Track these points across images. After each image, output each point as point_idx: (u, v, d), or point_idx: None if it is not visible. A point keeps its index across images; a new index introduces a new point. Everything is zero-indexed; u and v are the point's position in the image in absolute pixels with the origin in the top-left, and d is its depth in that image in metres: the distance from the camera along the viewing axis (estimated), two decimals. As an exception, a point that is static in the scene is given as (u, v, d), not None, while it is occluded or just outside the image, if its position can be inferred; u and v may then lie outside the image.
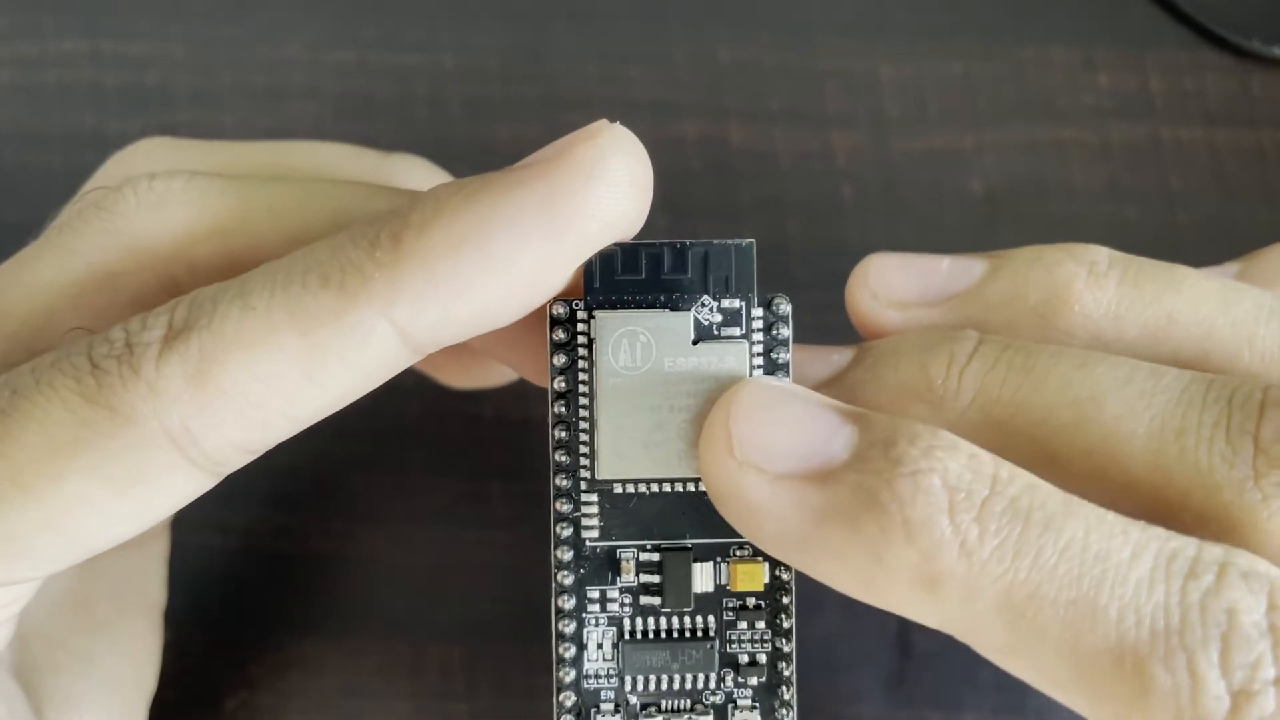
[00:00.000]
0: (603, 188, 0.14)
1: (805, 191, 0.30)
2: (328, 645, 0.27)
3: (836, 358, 0.18)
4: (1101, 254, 0.17)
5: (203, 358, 0.14)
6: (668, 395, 0.15)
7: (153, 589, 0.24)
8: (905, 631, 0.27)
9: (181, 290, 0.18)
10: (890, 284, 0.17)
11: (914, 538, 0.13)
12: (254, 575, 0.27)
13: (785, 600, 0.15)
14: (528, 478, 0.28)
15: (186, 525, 0.24)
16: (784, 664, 0.15)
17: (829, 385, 0.17)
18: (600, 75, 0.30)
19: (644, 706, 0.15)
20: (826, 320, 0.29)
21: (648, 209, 0.15)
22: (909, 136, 0.30)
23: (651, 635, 0.15)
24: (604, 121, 0.15)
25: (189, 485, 0.15)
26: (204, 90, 0.30)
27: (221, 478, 0.15)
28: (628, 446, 0.15)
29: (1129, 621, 0.13)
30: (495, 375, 0.26)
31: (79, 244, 0.17)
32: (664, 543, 0.15)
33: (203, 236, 0.17)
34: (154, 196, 0.17)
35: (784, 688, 0.15)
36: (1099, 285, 0.17)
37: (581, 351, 0.15)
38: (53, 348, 0.16)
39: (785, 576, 0.15)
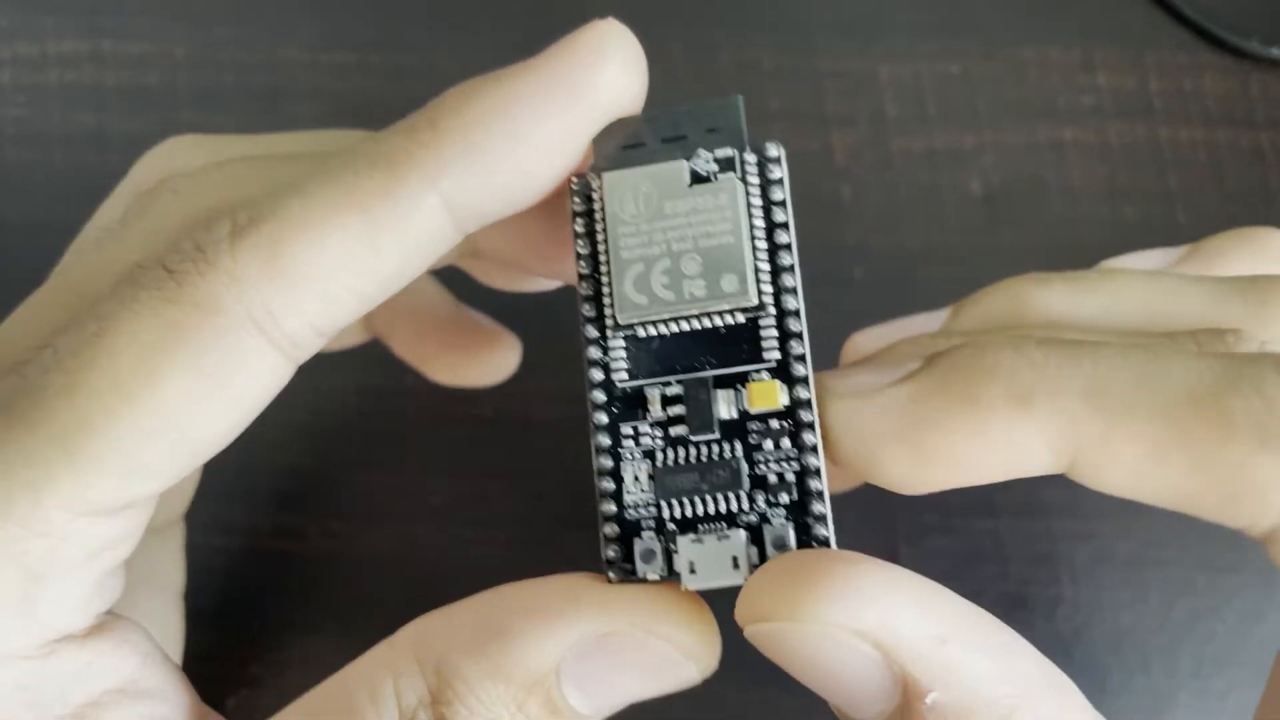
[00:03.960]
0: (607, 64, 0.16)
1: (805, 191, 0.30)
2: (328, 644, 0.27)
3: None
4: (1044, 274, 0.19)
5: (274, 241, 0.15)
6: (672, 237, 0.16)
7: (174, 573, 0.25)
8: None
9: None
10: (873, 347, 0.19)
11: (995, 374, 0.15)
12: (255, 575, 0.27)
13: (807, 418, 0.16)
14: (528, 478, 0.28)
15: (188, 525, 0.24)
16: (813, 480, 0.16)
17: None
18: (600, 75, 0.31)
19: (682, 529, 0.16)
20: (826, 320, 0.29)
21: (646, 85, 0.17)
22: (909, 137, 0.30)
23: (682, 463, 0.16)
24: (602, 19, 0.17)
25: (275, 372, 0.16)
26: (204, 90, 0.30)
27: (299, 364, 0.16)
28: (640, 290, 0.16)
29: (1193, 372, 0.14)
30: (490, 370, 0.26)
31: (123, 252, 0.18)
32: (685, 376, 0.16)
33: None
34: (196, 188, 0.18)
35: (815, 502, 0.16)
36: (1049, 285, 0.19)
37: (597, 215, 0.16)
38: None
39: (805, 395, 0.16)
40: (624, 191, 0.16)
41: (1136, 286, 0.18)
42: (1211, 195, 0.30)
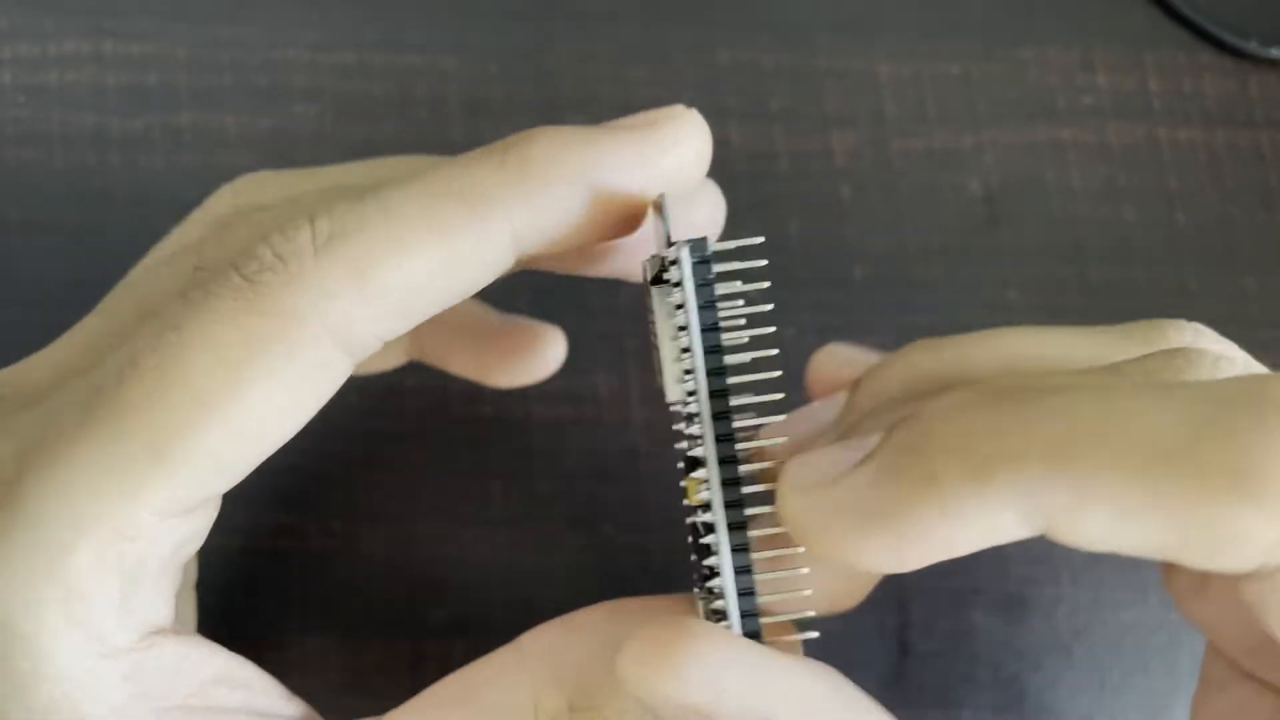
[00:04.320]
0: (684, 147, 0.18)
1: (805, 192, 0.30)
2: (328, 644, 0.27)
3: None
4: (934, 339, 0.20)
5: (363, 255, 0.16)
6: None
7: (189, 565, 0.25)
8: (904, 630, 0.27)
9: None
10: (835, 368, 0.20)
11: (950, 448, 0.14)
12: (254, 574, 0.27)
13: (703, 516, 0.17)
14: (528, 478, 0.28)
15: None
16: (715, 579, 0.16)
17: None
18: (600, 75, 0.31)
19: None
20: (825, 320, 0.29)
21: (707, 167, 0.19)
22: (908, 136, 0.30)
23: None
24: (681, 107, 0.18)
25: (341, 373, 0.17)
26: (205, 91, 0.30)
27: (355, 366, 0.17)
28: (666, 373, 0.17)
29: (1158, 417, 0.14)
30: (544, 365, 0.27)
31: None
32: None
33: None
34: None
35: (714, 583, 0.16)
36: (939, 351, 0.19)
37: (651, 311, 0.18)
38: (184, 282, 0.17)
39: (704, 497, 0.16)
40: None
41: (1026, 341, 0.18)
42: (1211, 195, 0.30)
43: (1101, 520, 0.14)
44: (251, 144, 0.30)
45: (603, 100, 0.30)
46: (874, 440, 0.16)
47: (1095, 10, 0.31)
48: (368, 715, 0.19)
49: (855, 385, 0.19)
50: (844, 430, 0.19)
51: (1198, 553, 0.13)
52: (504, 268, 0.17)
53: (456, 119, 0.30)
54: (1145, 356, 0.16)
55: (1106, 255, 0.30)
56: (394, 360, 0.27)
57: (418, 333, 0.26)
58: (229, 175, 0.21)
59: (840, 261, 0.29)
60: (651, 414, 0.28)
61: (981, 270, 0.29)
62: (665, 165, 0.18)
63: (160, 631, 0.17)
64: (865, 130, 0.30)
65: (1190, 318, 0.18)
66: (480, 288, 0.17)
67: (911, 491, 0.14)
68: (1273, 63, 0.31)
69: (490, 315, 0.27)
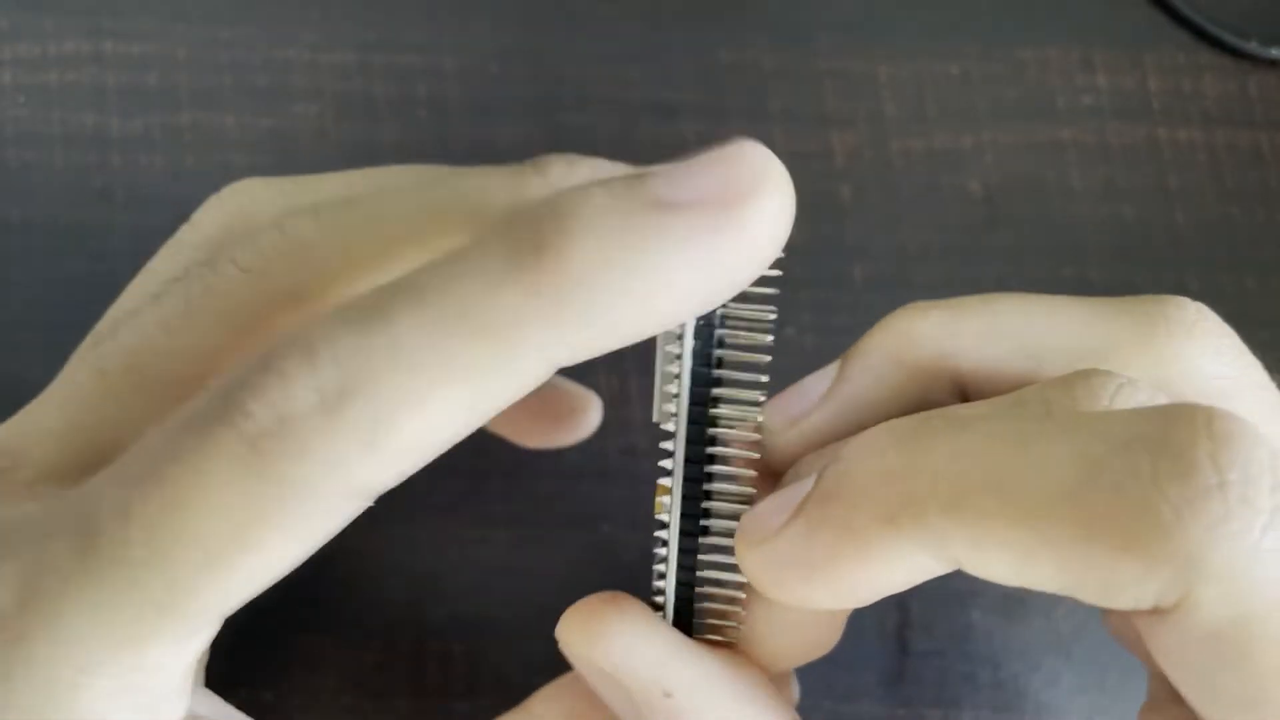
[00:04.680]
0: (770, 216, 0.14)
1: (804, 192, 0.30)
2: (328, 643, 0.27)
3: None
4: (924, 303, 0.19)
5: (375, 424, 0.14)
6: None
7: None
8: (904, 629, 0.27)
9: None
10: (774, 415, 0.19)
11: (862, 496, 0.15)
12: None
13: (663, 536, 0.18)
14: (528, 478, 0.28)
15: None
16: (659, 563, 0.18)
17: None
18: (600, 75, 0.31)
19: None
20: (826, 320, 0.29)
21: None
22: (908, 137, 0.30)
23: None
24: (764, 154, 0.15)
25: (356, 512, 0.15)
26: (205, 91, 0.30)
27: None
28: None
29: (1051, 463, 0.14)
30: (576, 430, 0.27)
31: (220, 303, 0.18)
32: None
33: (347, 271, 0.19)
34: (288, 244, 0.18)
35: (656, 580, 0.18)
36: (927, 315, 0.18)
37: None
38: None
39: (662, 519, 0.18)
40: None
41: (1014, 308, 0.18)
42: (1211, 195, 0.30)
43: (1002, 562, 0.14)
44: (251, 144, 0.30)
45: (602, 100, 0.30)
46: (808, 485, 0.16)
47: (1095, 10, 0.31)
48: (368, 715, 0.19)
49: (844, 360, 0.18)
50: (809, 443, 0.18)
51: (1093, 594, 0.14)
52: (540, 383, 0.15)
53: (456, 119, 0.30)
54: (1048, 384, 0.16)
55: (1106, 255, 0.30)
56: None
57: None
58: (229, 175, 0.21)
59: (840, 261, 0.29)
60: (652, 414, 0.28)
61: (981, 270, 0.29)
62: (740, 263, 0.14)
63: None
64: (865, 130, 0.30)
65: (1190, 318, 0.18)
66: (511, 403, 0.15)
67: (834, 542, 0.15)
68: (1273, 63, 0.31)
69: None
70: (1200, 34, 0.31)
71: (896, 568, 0.15)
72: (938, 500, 0.14)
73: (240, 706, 0.27)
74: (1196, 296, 0.30)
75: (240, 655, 0.27)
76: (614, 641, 0.17)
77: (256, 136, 0.30)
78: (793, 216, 0.15)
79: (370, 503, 0.15)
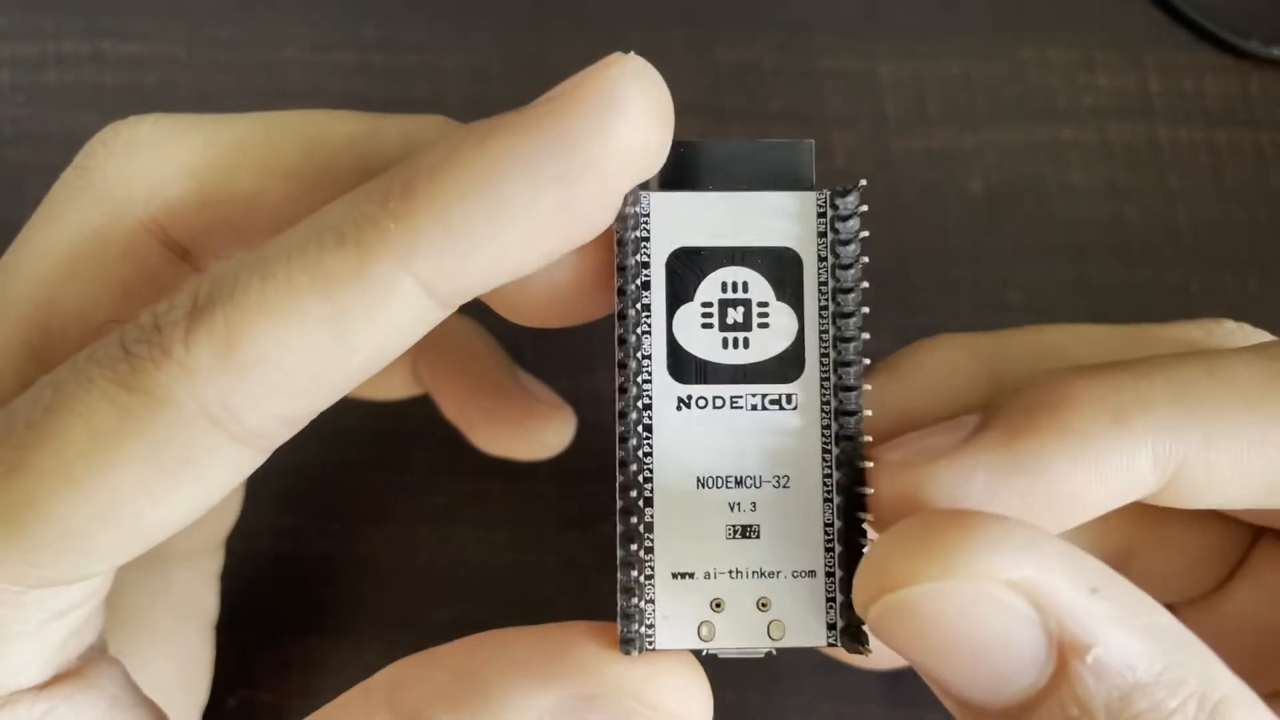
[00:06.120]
0: (620, 120, 0.14)
1: (805, 191, 0.30)
2: (328, 644, 0.27)
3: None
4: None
5: (229, 330, 0.14)
6: None
7: (207, 602, 0.25)
8: (905, 631, 0.27)
9: (187, 251, 0.18)
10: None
11: (1083, 399, 0.15)
12: (254, 575, 0.27)
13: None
14: (528, 478, 0.28)
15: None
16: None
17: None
18: (600, 75, 0.31)
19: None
20: (826, 320, 0.29)
21: (669, 141, 0.15)
22: (909, 137, 0.30)
23: None
24: (618, 53, 0.14)
25: (239, 463, 0.15)
26: (205, 90, 0.30)
27: (271, 451, 0.15)
28: None
29: (1251, 364, 0.15)
30: (536, 447, 0.25)
31: (60, 208, 0.17)
32: None
33: (172, 175, 0.17)
34: (120, 143, 0.17)
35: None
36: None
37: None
38: (85, 340, 0.15)
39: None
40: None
41: (1068, 342, 0.18)
42: (1211, 195, 0.30)
43: (1230, 458, 0.14)
44: (251, 144, 0.30)
45: (603, 100, 0.30)
46: (972, 419, 0.15)
47: (1095, 10, 0.31)
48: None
49: (883, 374, 0.18)
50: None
51: None
52: (427, 320, 0.14)
53: (456, 119, 0.30)
54: (1198, 325, 0.17)
55: (1107, 255, 0.30)
56: (401, 390, 0.26)
57: (436, 384, 0.25)
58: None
59: (840, 261, 0.29)
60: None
61: (981, 270, 0.29)
62: (598, 150, 0.14)
63: (19, 692, 0.15)
64: (865, 130, 0.30)
65: (1191, 318, 0.18)
66: (405, 347, 0.15)
67: (1048, 442, 0.14)
68: (1273, 62, 0.31)
69: (495, 366, 0.25)
70: (1201, 33, 0.31)
71: (1114, 475, 0.14)
72: (1166, 396, 0.14)
73: (240, 706, 0.27)
74: (1197, 296, 0.30)
75: (240, 656, 0.27)
76: (1017, 548, 0.13)
77: (256, 136, 0.30)
78: (646, 103, 0.14)
79: (257, 452, 0.15)
